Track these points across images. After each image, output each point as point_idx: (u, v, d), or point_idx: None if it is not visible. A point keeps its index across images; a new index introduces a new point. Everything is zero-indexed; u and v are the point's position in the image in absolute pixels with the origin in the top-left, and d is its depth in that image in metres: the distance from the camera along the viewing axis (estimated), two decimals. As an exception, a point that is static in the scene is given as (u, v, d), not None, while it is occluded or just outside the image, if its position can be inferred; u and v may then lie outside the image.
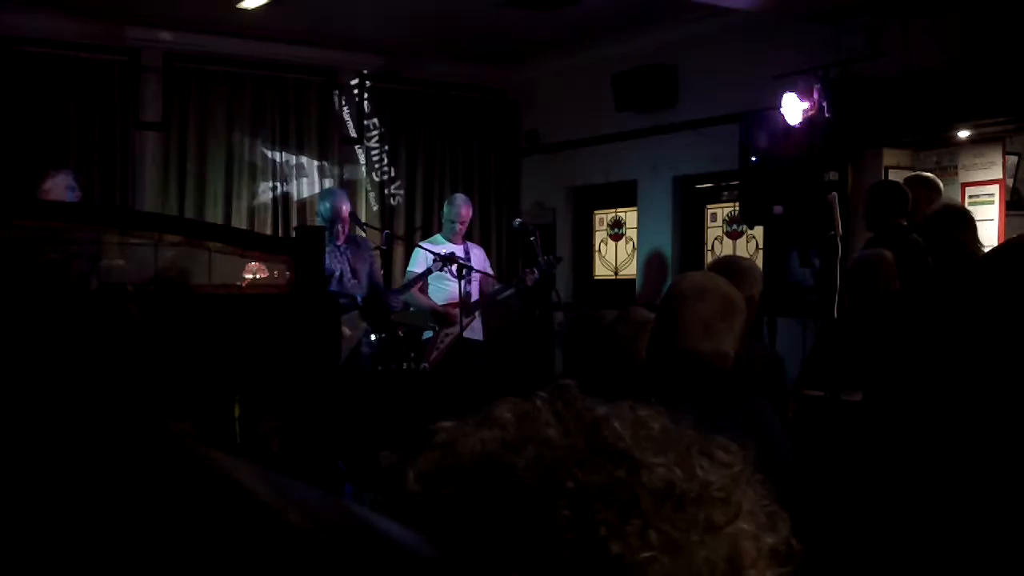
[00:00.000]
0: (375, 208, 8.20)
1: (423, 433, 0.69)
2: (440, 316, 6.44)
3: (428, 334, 6.56)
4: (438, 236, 6.73)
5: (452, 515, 0.63)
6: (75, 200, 5.34)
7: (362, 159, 8.15)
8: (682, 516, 0.63)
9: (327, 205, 6.18)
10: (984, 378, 1.97)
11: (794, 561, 0.68)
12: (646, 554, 0.61)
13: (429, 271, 6.24)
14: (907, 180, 5.50)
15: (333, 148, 8.01)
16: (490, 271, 6.89)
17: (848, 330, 4.47)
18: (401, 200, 8.30)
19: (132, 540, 0.54)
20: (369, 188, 8.21)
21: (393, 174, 8.27)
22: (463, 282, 6.13)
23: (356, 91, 7.94)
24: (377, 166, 8.21)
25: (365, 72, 7.89)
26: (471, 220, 6.78)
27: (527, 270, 6.52)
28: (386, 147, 8.22)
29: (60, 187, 5.32)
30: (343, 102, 7.98)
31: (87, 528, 0.54)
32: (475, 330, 6.55)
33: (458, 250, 6.42)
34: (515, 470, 0.63)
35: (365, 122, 8.12)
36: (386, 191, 8.26)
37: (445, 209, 6.67)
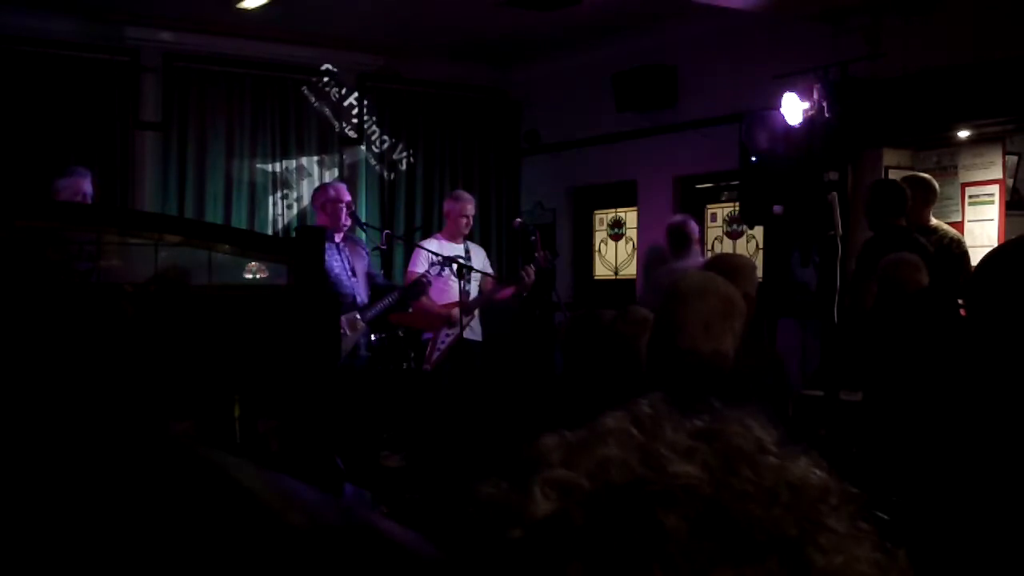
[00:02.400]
0: (388, 178, 8.19)
1: (520, 457, 0.63)
2: (438, 318, 6.41)
3: (427, 334, 6.54)
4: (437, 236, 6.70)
5: (615, 536, 0.58)
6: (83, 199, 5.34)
7: (362, 142, 8.15)
8: (838, 516, 0.60)
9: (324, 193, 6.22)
10: (981, 377, 1.97)
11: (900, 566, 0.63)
12: (837, 558, 0.58)
13: (420, 278, 6.16)
14: (902, 181, 5.49)
15: (333, 147, 8.01)
16: (490, 271, 6.88)
17: (873, 330, 4.42)
18: (407, 163, 8.28)
19: (133, 539, 0.54)
20: (373, 162, 8.19)
21: (394, 141, 8.26)
22: (463, 282, 6.12)
23: (340, 89, 7.93)
24: (375, 138, 8.19)
25: (334, 69, 7.86)
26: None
27: (526, 267, 6.50)
28: (380, 117, 8.21)
29: (71, 190, 5.31)
30: (340, 100, 7.97)
31: (87, 527, 0.54)
32: (474, 331, 6.54)
33: (458, 250, 6.40)
34: (683, 479, 0.59)
35: (365, 128, 8.12)
36: (392, 157, 8.23)
37: (451, 206, 6.56)
